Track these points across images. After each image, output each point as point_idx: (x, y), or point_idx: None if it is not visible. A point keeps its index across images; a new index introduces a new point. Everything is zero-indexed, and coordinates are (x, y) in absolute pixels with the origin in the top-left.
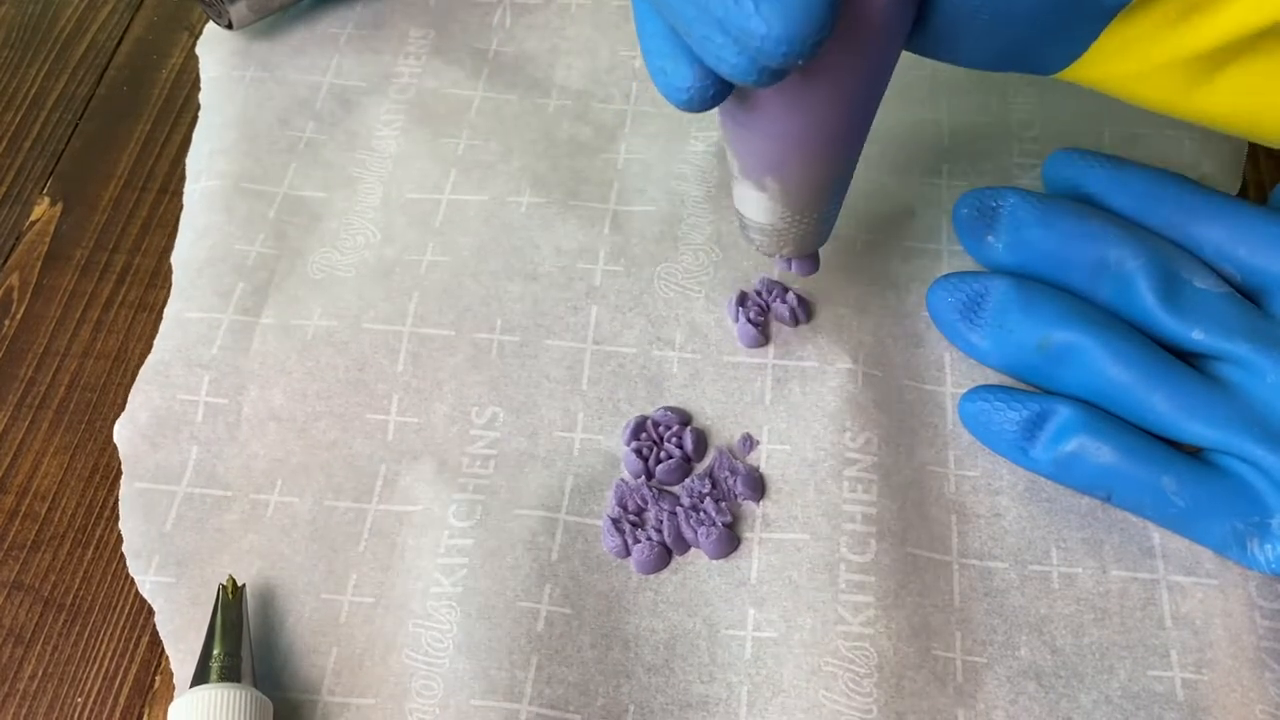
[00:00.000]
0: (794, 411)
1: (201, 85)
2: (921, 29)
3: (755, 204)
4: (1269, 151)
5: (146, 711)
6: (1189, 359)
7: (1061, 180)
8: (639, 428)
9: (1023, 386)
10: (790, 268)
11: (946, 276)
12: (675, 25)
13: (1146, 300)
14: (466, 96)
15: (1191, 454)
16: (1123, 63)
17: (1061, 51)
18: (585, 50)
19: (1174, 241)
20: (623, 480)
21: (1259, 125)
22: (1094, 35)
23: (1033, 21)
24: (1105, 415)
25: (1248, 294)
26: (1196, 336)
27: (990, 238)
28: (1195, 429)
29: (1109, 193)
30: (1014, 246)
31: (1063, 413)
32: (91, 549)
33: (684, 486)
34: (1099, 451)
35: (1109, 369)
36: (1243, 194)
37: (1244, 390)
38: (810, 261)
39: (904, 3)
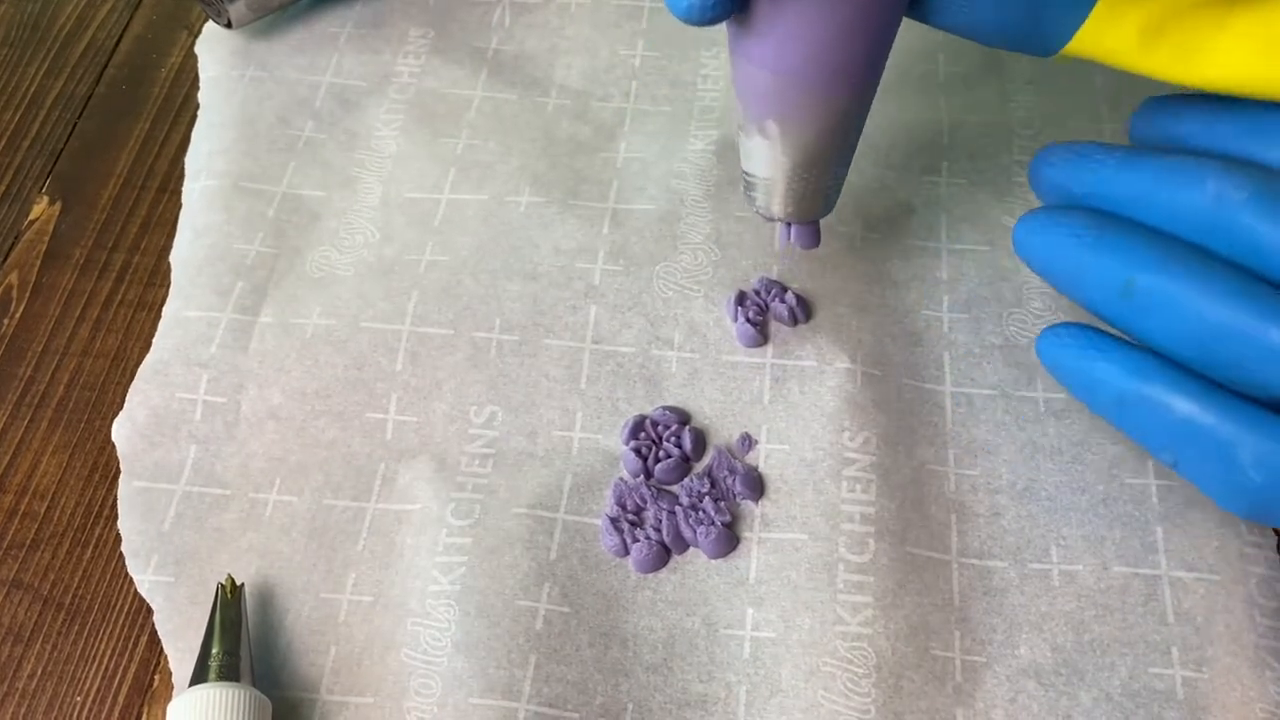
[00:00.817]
0: (792, 411)
1: (200, 84)
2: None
3: (758, 154)
4: None
5: (146, 710)
6: None
7: (1151, 130)
8: (638, 427)
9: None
10: (790, 238)
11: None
12: None
13: (1257, 236)
14: (466, 96)
15: None
16: (1125, 27)
17: (1065, 19)
18: (585, 49)
19: None
20: (621, 479)
21: (1271, 83)
22: (1090, 4)
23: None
24: (1184, 370)
25: None
26: None
27: (1072, 185)
28: None
29: (1206, 133)
30: (1096, 194)
31: (1136, 357)
32: (91, 548)
33: (683, 486)
34: (1170, 404)
35: (1203, 312)
36: None
37: None
38: (811, 232)
39: None
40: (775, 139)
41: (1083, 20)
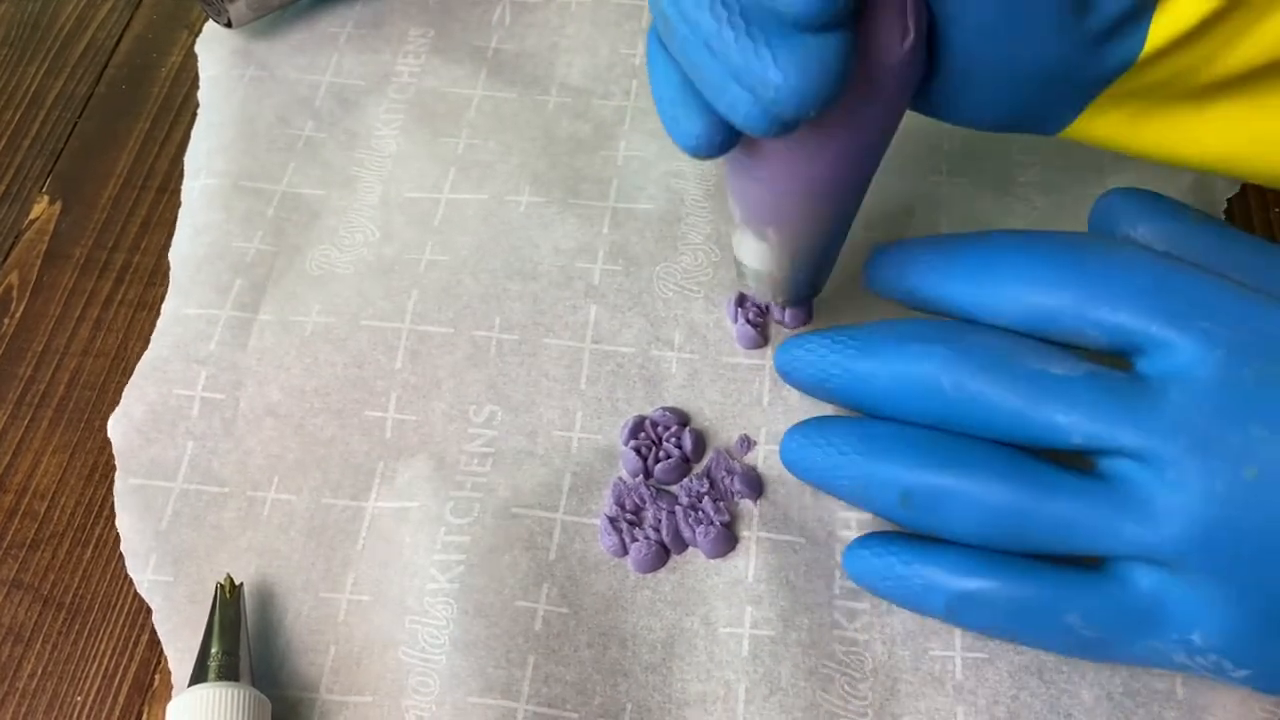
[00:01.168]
0: (791, 414)
1: (200, 84)
2: (927, 88)
3: (755, 252)
4: None
5: (146, 710)
6: (1084, 460)
7: (885, 283)
8: (637, 427)
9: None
10: (785, 319)
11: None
12: (690, 73)
13: (1004, 413)
14: (466, 95)
15: (1100, 564)
16: (1120, 122)
17: (1059, 114)
18: (585, 48)
19: (1021, 327)
20: (620, 479)
21: (1238, 162)
22: (1089, 99)
23: (1030, 83)
24: (992, 556)
25: (1118, 357)
26: (1076, 439)
27: (823, 377)
28: (1095, 546)
29: (936, 284)
30: (845, 388)
31: (946, 559)
32: (91, 547)
33: (682, 486)
34: (991, 595)
35: (984, 505)
36: (1242, 195)
37: (1142, 490)
38: (804, 312)
39: (914, 62)
40: (772, 242)
41: (1074, 118)
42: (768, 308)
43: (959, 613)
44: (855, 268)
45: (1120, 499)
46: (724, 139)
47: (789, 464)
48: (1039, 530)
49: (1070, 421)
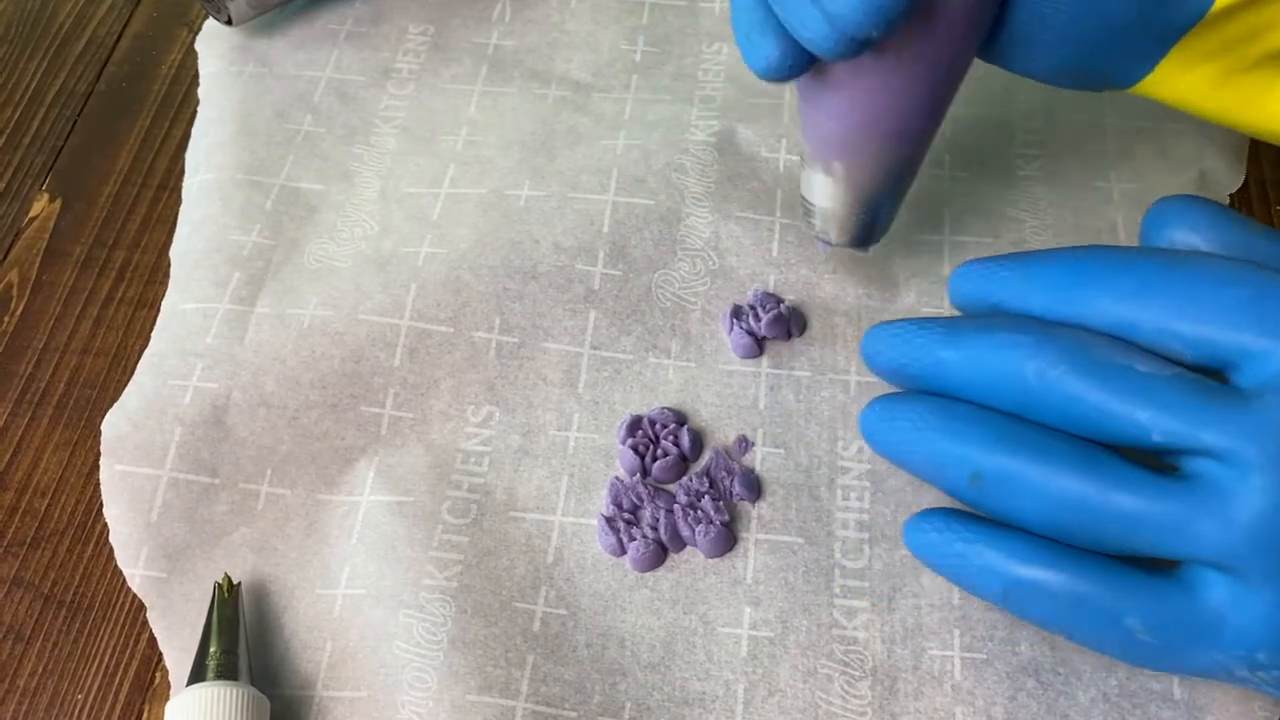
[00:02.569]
0: (788, 419)
1: (200, 81)
2: (998, 32)
3: (821, 189)
4: (1270, 148)
5: (147, 708)
6: (1162, 462)
7: (969, 297)
8: (635, 425)
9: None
10: (825, 248)
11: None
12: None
13: (1085, 405)
14: (465, 91)
15: (1167, 569)
16: (1193, 76)
17: (1130, 68)
18: (585, 44)
19: (1105, 331)
20: (618, 479)
21: None
22: (1163, 51)
23: (1105, 30)
24: (1056, 546)
25: (1207, 373)
26: (1156, 437)
27: (903, 367)
28: (1166, 546)
29: (1021, 296)
30: (925, 375)
31: (1009, 543)
32: (91, 545)
33: (680, 485)
34: (1050, 586)
35: (1054, 494)
36: (1244, 191)
37: (1222, 492)
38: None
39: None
40: (839, 177)
41: (1148, 72)
42: (763, 316)
43: (1015, 599)
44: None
45: (1197, 498)
46: (795, 62)
47: (867, 435)
48: (1108, 525)
49: (1151, 418)
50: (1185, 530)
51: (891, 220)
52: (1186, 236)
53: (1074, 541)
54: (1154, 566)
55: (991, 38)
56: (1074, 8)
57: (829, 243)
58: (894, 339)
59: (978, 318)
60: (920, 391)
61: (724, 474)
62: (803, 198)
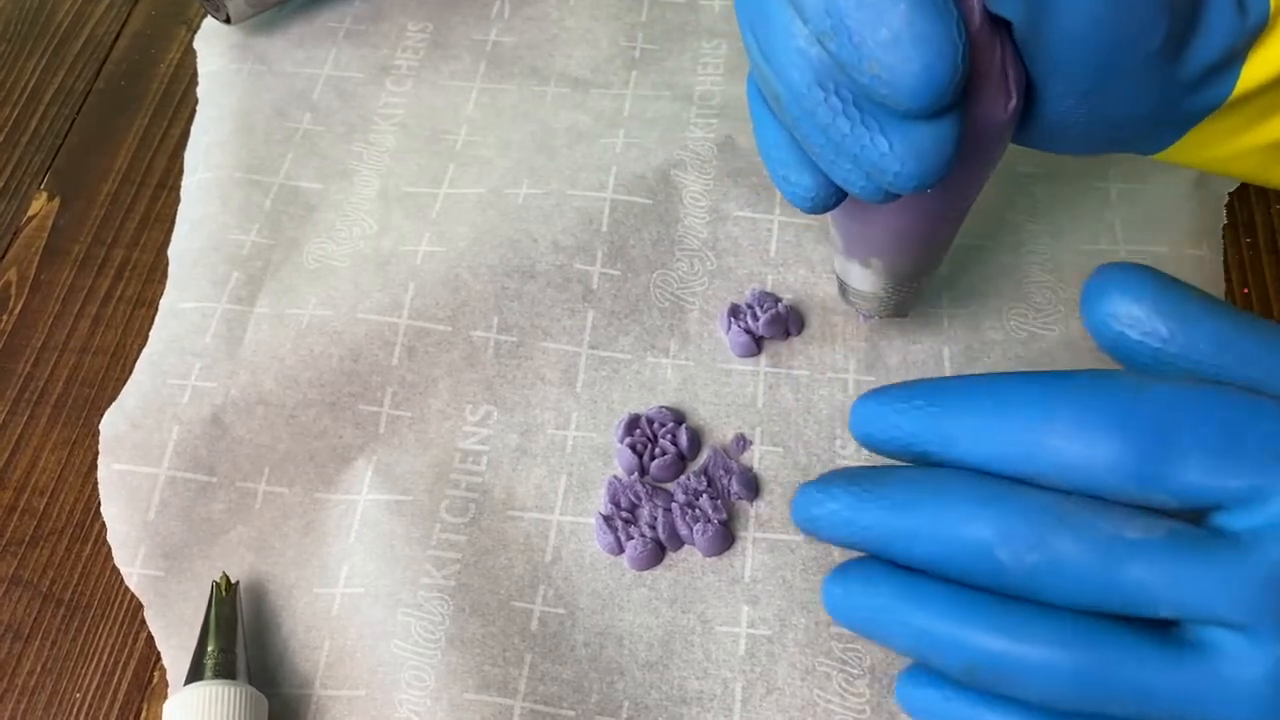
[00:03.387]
0: (786, 417)
1: (199, 79)
2: (1024, 129)
3: (859, 276)
4: None
5: (145, 707)
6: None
7: (878, 440)
8: (633, 424)
9: None
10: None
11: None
12: (801, 142)
13: (1078, 591)
14: (464, 88)
15: None
16: (1212, 150)
17: (1152, 146)
18: (584, 40)
19: (1070, 487)
20: (615, 477)
21: None
22: (1181, 133)
23: (1125, 125)
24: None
25: (1189, 517)
26: (1164, 611)
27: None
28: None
29: (946, 444)
30: (885, 548)
31: (1013, 711)
32: (90, 544)
33: (678, 483)
34: None
35: (1060, 676)
36: (1243, 190)
37: (1242, 662)
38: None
39: (1014, 118)
40: (877, 268)
41: (1168, 146)
42: (761, 314)
43: None
44: None
45: (1215, 670)
46: (836, 197)
47: (835, 613)
48: (1121, 701)
49: (1158, 594)
50: (1206, 704)
51: (925, 291)
52: (1129, 308)
53: (1080, 712)
54: None
55: (1018, 131)
56: (1094, 115)
57: (868, 316)
58: (833, 516)
59: (925, 475)
60: (880, 560)
61: (722, 473)
62: (838, 277)
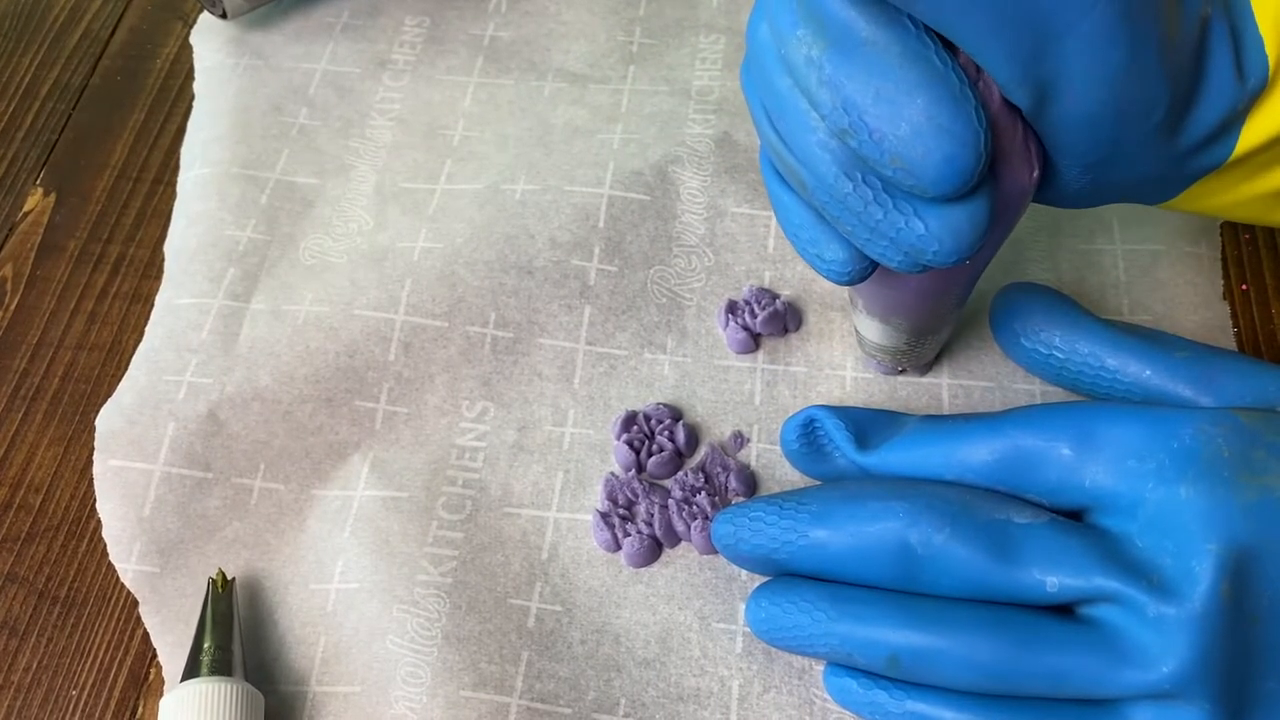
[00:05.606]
0: (784, 414)
1: (195, 74)
2: (1038, 193)
3: (879, 332)
4: None
5: (142, 704)
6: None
7: (804, 461)
8: (630, 421)
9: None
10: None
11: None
12: (834, 225)
13: (978, 568)
14: (461, 83)
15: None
16: (1213, 200)
17: (1155, 199)
18: (582, 35)
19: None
20: (612, 474)
21: None
22: (1183, 189)
23: (1126, 190)
24: (986, 700)
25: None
26: (1051, 588)
27: (768, 551)
28: (1091, 692)
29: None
30: (803, 557)
31: (939, 698)
32: (85, 541)
33: (675, 480)
34: None
35: (976, 662)
36: None
37: (1129, 635)
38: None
39: (1036, 184)
40: (897, 325)
41: (1172, 199)
42: (758, 311)
43: None
44: None
45: (1112, 646)
46: (870, 267)
47: (760, 632)
48: (1035, 682)
49: (1044, 573)
50: (1109, 677)
51: (945, 341)
52: (1025, 322)
53: (997, 694)
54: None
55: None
56: (1102, 182)
57: (888, 371)
58: (756, 524)
59: (835, 487)
60: (794, 576)
61: (719, 469)
62: (858, 333)
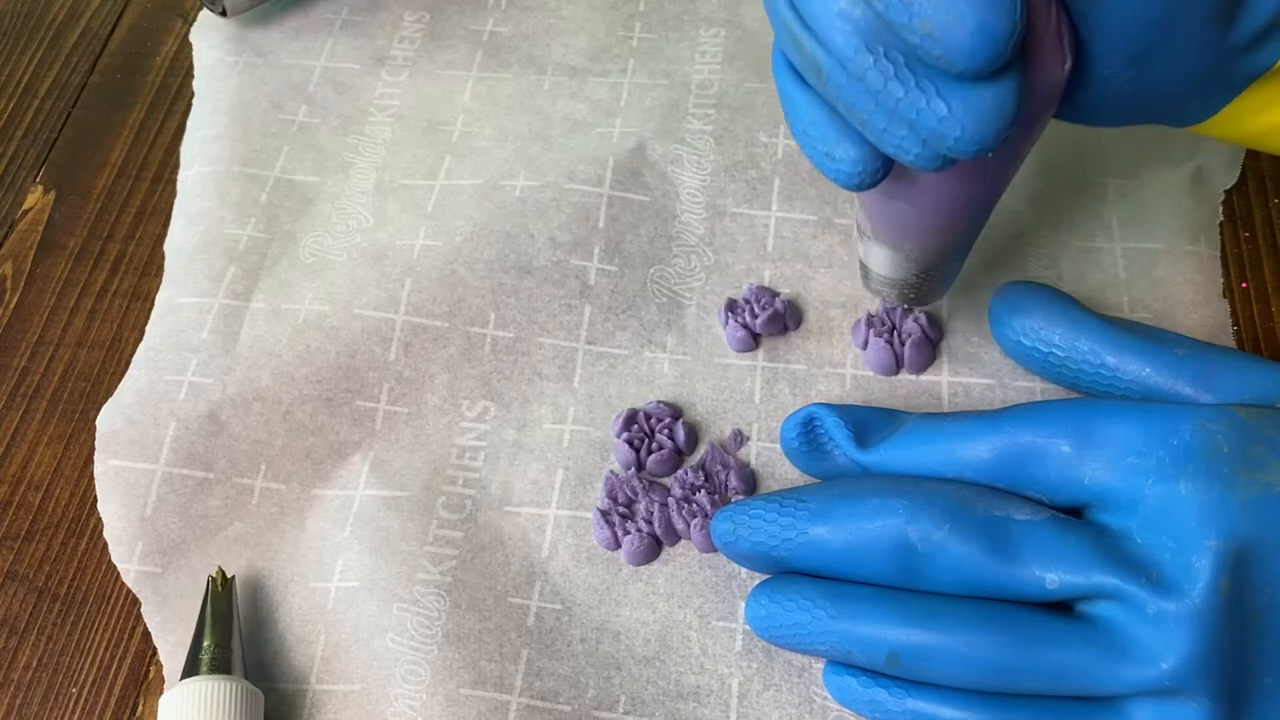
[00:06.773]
0: (783, 412)
1: (195, 72)
2: (1065, 98)
3: (888, 262)
4: None
5: (141, 702)
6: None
7: (804, 459)
8: (630, 419)
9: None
10: (906, 356)
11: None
12: (845, 114)
13: (978, 565)
14: (461, 78)
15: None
16: (1249, 121)
17: (1196, 113)
18: (582, 29)
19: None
20: (612, 472)
21: None
22: (1230, 99)
23: (1171, 91)
24: (986, 698)
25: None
26: (1051, 585)
27: (767, 546)
28: (1090, 689)
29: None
30: (802, 554)
31: (939, 696)
32: (85, 539)
33: (675, 478)
34: None
35: (975, 660)
36: (1242, 185)
37: (1128, 632)
38: (926, 352)
39: (1066, 80)
40: (907, 253)
41: (1212, 115)
42: (758, 309)
43: None
44: (850, 264)
45: (1111, 643)
46: (885, 169)
47: (760, 631)
48: (1034, 679)
49: (1044, 570)
50: (1108, 674)
51: (954, 280)
52: (1024, 320)
53: (997, 692)
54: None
55: (1061, 103)
56: (1143, 81)
57: (891, 305)
58: (755, 520)
59: (834, 485)
60: (793, 574)
61: (719, 468)
62: (861, 262)
